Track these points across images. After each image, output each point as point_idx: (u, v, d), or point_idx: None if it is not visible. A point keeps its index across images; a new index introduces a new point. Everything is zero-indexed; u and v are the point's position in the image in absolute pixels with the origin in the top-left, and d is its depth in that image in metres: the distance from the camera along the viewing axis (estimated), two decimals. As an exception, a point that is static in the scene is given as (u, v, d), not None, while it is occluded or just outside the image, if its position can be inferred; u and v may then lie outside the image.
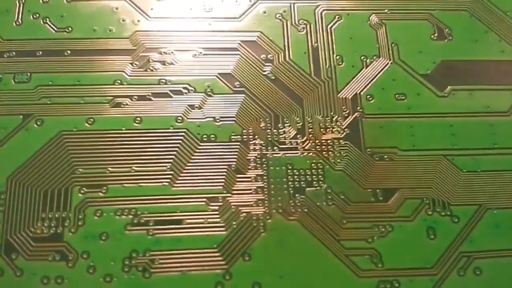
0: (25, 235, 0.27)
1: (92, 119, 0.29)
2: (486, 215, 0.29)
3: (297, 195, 0.29)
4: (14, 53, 0.31)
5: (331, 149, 0.30)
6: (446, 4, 0.34)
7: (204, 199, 0.28)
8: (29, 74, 0.30)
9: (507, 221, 0.29)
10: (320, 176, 0.29)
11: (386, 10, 0.33)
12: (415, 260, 0.28)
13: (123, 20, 0.32)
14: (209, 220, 0.28)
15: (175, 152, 0.29)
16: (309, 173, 0.29)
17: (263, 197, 0.29)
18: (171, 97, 0.30)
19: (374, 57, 0.32)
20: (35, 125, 0.29)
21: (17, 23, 0.32)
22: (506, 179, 0.30)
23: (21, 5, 0.32)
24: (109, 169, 0.28)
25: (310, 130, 0.30)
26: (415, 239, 0.28)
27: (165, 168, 0.29)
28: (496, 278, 0.28)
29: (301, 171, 0.29)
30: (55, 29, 0.31)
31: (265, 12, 0.33)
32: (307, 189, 0.29)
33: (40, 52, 0.31)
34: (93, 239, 0.27)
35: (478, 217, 0.29)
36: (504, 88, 0.32)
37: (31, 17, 0.32)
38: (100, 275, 0.26)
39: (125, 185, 0.28)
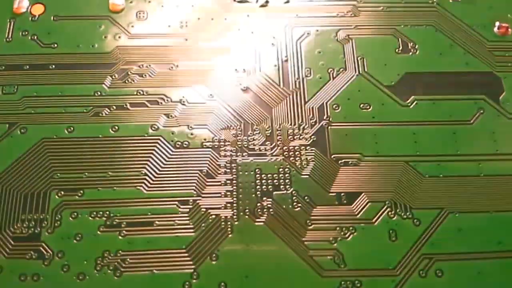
0: (6, 235, 0.29)
1: (72, 127, 0.31)
2: (447, 219, 0.30)
3: (264, 198, 0.30)
4: (3, 67, 0.33)
5: (298, 155, 0.31)
6: (411, 20, 0.36)
7: (175, 202, 0.30)
8: (16, 86, 0.32)
9: (468, 224, 0.30)
10: (287, 181, 0.31)
11: (353, 26, 0.35)
12: (377, 261, 0.29)
13: (105, 37, 0.34)
14: (178, 222, 0.29)
15: (149, 158, 0.31)
16: (276, 177, 0.31)
17: (232, 200, 0.30)
18: (148, 106, 0.32)
19: (341, 70, 0.34)
20: (19, 133, 0.31)
21: (8, 39, 0.34)
22: (468, 183, 0.31)
23: (12, 23, 0.34)
24: (86, 174, 0.30)
25: (278, 137, 0.32)
26: (377, 241, 0.29)
27: (138, 173, 0.30)
28: (457, 279, 0.29)
29: (269, 175, 0.31)
30: (42, 45, 0.34)
31: (239, 29, 0.35)
32: (274, 192, 0.30)
33: (27, 66, 0.33)
34: (68, 239, 0.29)
35: (439, 220, 0.30)
36: (467, 98, 0.34)
37: (20, 34, 0.34)
38: (73, 274, 0.28)
39: (100, 189, 0.30)
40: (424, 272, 0.29)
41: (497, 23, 0.36)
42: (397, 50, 0.35)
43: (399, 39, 0.35)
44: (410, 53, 0.35)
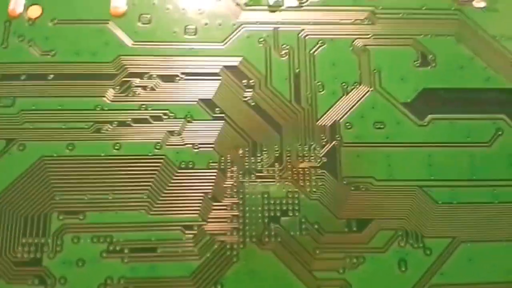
0: (6, 259, 0.28)
1: (72, 145, 0.30)
2: (459, 248, 0.29)
3: (271, 224, 0.29)
4: (-1, 76, 0.31)
5: (308, 178, 0.30)
6: (432, 29, 0.34)
7: (180, 227, 0.29)
8: (13, 98, 0.31)
9: (480, 254, 0.29)
10: (295, 205, 0.30)
11: (370, 35, 0.33)
12: (385, 292, 0.28)
13: (106, 44, 0.32)
14: (183, 249, 0.29)
15: (152, 179, 0.30)
16: (284, 202, 0.30)
17: (238, 226, 0.29)
18: (151, 123, 0.31)
19: (355, 84, 0.32)
20: (17, 150, 0.30)
21: (3, 46, 0.32)
22: (481, 211, 0.30)
23: (7, 27, 0.32)
24: (87, 195, 0.29)
25: (287, 158, 0.31)
26: (386, 271, 0.29)
27: (142, 195, 0.29)
28: (465, 311, 0.28)
29: (276, 200, 0.30)
30: (40, 52, 0.32)
31: (248, 37, 0.33)
32: (282, 218, 0.29)
33: (24, 76, 0.31)
34: (70, 265, 0.28)
35: (451, 249, 0.29)
36: (486, 117, 0.32)
37: (17, 40, 0.32)
38: (76, 301, 0.27)
39: (102, 212, 0.29)
40: (432, 304, 0.28)
41: (522, 34, 0.34)
42: (415, 62, 0.33)
43: (418, 51, 0.33)
44: (429, 67, 0.33)
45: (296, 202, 0.30)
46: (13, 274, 0.28)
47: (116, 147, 0.30)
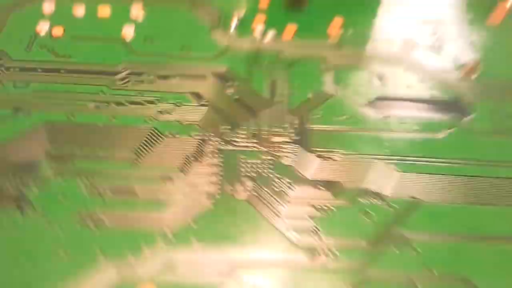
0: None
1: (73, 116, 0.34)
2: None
3: (247, 181, 0.32)
4: (18, 68, 0.37)
5: (282, 150, 0.34)
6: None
7: (160, 178, 0.32)
8: (28, 83, 0.36)
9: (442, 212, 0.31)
10: (270, 168, 0.33)
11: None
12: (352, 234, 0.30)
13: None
14: (161, 196, 0.31)
15: (140, 144, 0.33)
16: (260, 166, 0.33)
17: (216, 180, 0.32)
18: (144, 104, 0.35)
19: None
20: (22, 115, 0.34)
21: (27, 49, 0.38)
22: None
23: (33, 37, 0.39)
24: (79, 151, 0.33)
25: (263, 135, 0.34)
26: (353, 219, 0.31)
27: (129, 154, 0.33)
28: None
29: (252, 162, 0.33)
30: (57, 55, 0.38)
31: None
32: (257, 176, 0.32)
33: (40, 69, 0.37)
34: (53, 198, 0.30)
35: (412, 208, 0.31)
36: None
37: (39, 48, 0.39)
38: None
39: (91, 164, 0.32)
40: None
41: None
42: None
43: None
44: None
45: (271, 166, 0.33)
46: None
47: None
